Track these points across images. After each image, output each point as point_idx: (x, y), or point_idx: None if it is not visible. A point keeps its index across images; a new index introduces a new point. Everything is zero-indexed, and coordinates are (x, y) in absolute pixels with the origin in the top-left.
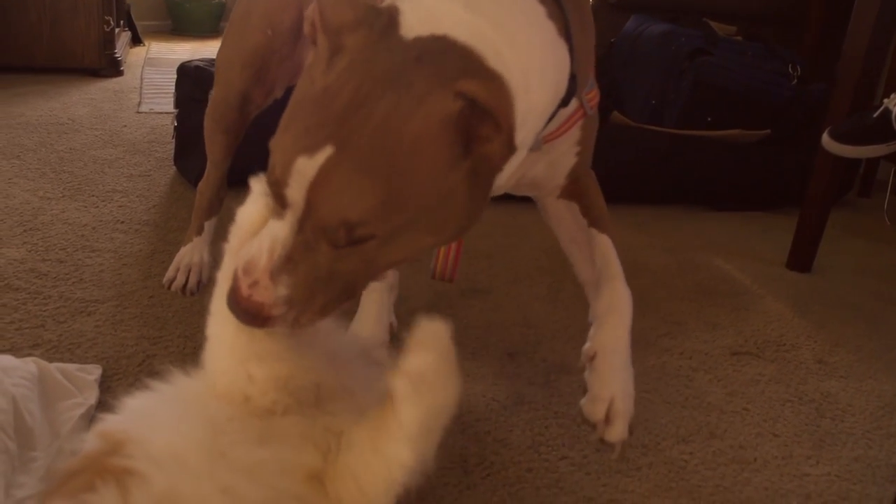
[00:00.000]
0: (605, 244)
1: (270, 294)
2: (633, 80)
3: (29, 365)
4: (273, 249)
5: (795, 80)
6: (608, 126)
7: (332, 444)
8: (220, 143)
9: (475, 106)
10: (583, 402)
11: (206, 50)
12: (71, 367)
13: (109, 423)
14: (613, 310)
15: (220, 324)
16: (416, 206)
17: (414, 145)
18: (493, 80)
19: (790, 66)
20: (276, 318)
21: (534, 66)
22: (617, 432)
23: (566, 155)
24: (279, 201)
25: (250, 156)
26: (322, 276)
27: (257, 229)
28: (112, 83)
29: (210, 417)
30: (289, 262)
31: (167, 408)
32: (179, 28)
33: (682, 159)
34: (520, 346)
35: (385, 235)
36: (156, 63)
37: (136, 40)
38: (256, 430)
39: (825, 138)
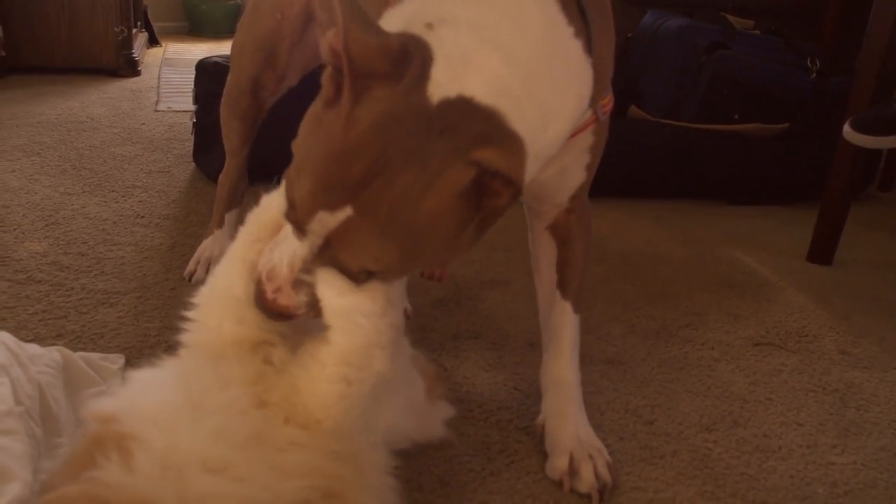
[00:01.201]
0: (562, 313)
1: (293, 300)
2: (650, 75)
3: (53, 353)
4: (293, 264)
5: (814, 74)
6: (626, 121)
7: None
8: (236, 130)
9: (488, 170)
10: (546, 466)
11: (222, 50)
12: (95, 356)
13: (99, 404)
14: (556, 384)
15: (218, 281)
16: (429, 257)
17: (429, 218)
18: (510, 142)
19: (809, 59)
20: (298, 316)
21: (556, 108)
22: (585, 481)
23: (577, 162)
24: (300, 230)
25: (269, 151)
26: None
27: (276, 220)
28: (130, 83)
29: (179, 377)
30: (308, 273)
31: (149, 380)
32: (196, 29)
33: (700, 154)
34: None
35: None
36: (173, 63)
37: (153, 41)
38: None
39: (847, 129)
